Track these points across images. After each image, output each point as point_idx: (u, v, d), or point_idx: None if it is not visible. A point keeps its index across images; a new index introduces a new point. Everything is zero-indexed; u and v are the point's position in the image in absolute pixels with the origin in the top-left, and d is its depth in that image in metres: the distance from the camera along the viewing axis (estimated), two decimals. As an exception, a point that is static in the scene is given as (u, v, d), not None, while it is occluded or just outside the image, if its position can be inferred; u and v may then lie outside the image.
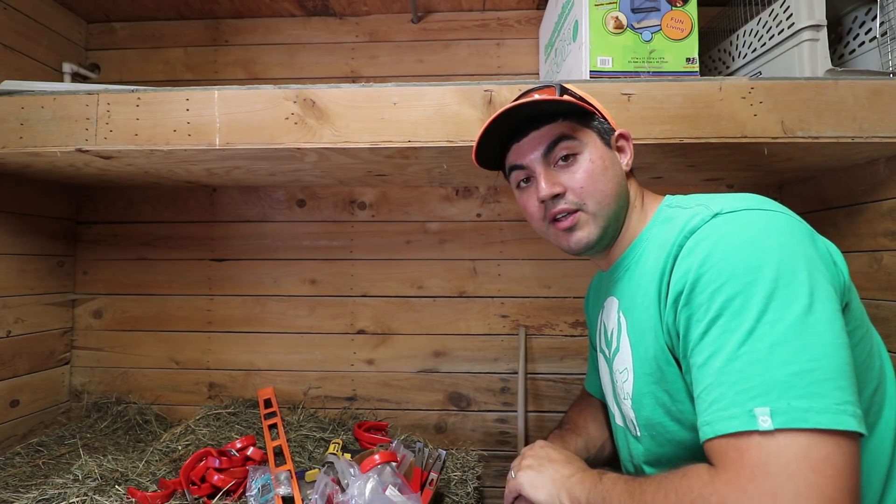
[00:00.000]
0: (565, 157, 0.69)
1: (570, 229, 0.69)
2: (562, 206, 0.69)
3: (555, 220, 0.70)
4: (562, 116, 0.69)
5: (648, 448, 0.70)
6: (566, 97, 0.69)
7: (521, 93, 0.77)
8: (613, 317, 0.74)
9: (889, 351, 1.00)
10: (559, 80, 0.84)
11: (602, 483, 0.62)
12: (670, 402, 0.62)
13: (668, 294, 0.59)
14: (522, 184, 0.74)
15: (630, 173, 0.75)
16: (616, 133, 0.74)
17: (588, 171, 0.68)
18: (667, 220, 0.67)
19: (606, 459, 0.89)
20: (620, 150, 0.74)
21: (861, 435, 0.46)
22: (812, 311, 0.48)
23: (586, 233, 0.69)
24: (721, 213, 0.57)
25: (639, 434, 0.71)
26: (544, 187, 0.68)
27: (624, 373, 0.70)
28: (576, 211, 0.69)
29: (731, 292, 0.51)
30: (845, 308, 0.55)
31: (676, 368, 0.61)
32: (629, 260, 0.71)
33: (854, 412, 0.46)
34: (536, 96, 0.72)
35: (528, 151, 0.71)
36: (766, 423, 0.45)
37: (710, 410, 0.51)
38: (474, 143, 0.74)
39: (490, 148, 0.75)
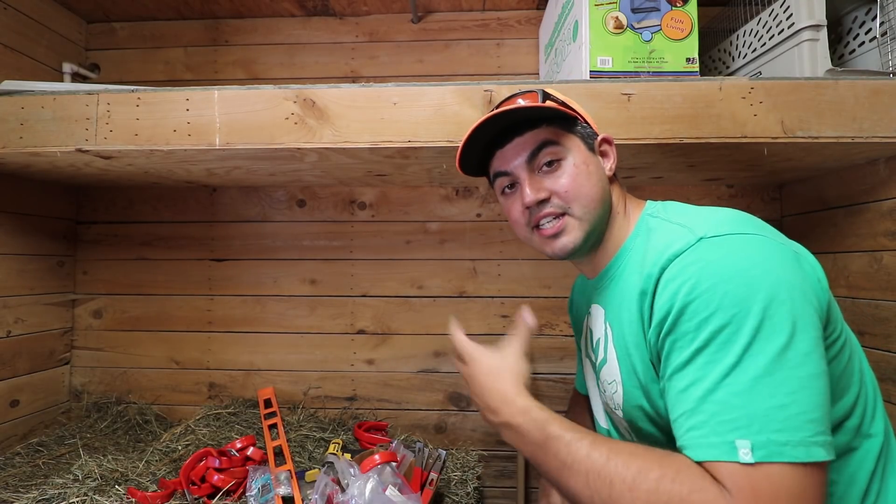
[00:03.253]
0: (549, 163, 0.69)
1: (555, 235, 0.69)
2: (547, 209, 0.69)
3: (538, 226, 0.70)
4: (545, 122, 0.69)
5: None
6: (549, 103, 0.69)
7: (504, 98, 0.76)
8: (600, 325, 0.74)
9: (889, 351, 1.00)
10: (541, 86, 0.84)
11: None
12: (657, 416, 0.64)
13: (651, 316, 0.59)
14: (507, 190, 0.74)
15: (614, 178, 0.74)
16: (599, 138, 0.74)
17: (572, 176, 0.68)
18: (649, 230, 0.67)
19: None
20: (604, 154, 0.74)
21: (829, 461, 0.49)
22: (793, 343, 0.51)
23: (571, 238, 0.69)
24: (705, 237, 0.57)
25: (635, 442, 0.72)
26: (529, 193, 0.68)
27: (613, 384, 0.70)
28: (562, 215, 0.69)
29: (719, 324, 0.52)
30: (827, 321, 0.57)
31: (658, 386, 0.61)
32: (614, 270, 0.71)
33: (824, 442, 0.49)
34: (521, 101, 0.72)
35: (512, 158, 0.71)
36: (746, 455, 0.48)
37: (688, 435, 0.52)
38: (458, 151, 0.73)
39: (473, 154, 0.75)
